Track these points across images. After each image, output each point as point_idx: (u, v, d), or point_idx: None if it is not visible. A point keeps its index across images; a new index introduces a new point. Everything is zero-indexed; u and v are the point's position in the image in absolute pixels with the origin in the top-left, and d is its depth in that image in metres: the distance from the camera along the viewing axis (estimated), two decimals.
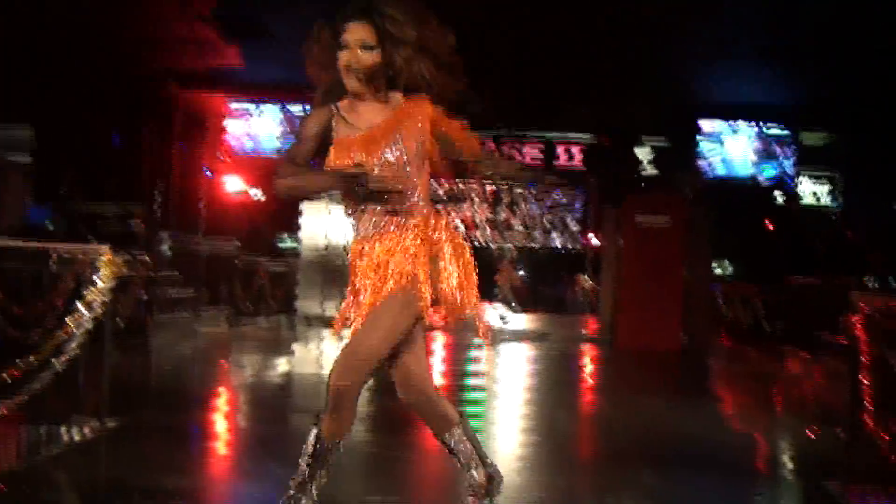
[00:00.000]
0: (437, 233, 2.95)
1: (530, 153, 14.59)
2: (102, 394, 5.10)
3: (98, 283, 5.05)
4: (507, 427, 6.22)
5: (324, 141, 2.98)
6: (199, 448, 5.03)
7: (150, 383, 7.13)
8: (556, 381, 9.44)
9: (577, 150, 14.56)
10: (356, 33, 2.88)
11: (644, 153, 14.38)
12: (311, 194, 3.42)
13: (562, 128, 14.32)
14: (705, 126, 14.02)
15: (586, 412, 7.46)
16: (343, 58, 2.90)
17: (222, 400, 6.72)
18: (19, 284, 7.13)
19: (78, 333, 5.00)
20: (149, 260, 10.29)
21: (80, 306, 5.04)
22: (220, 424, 5.85)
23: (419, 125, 2.92)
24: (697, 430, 6.41)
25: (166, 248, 12.23)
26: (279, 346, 10.62)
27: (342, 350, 2.88)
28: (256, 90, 13.04)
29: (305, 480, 2.93)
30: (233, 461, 4.74)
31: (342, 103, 3.00)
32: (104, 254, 5.09)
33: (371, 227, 2.95)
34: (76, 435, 4.84)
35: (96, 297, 5.03)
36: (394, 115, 2.94)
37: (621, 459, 5.09)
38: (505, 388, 8.39)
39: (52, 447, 4.65)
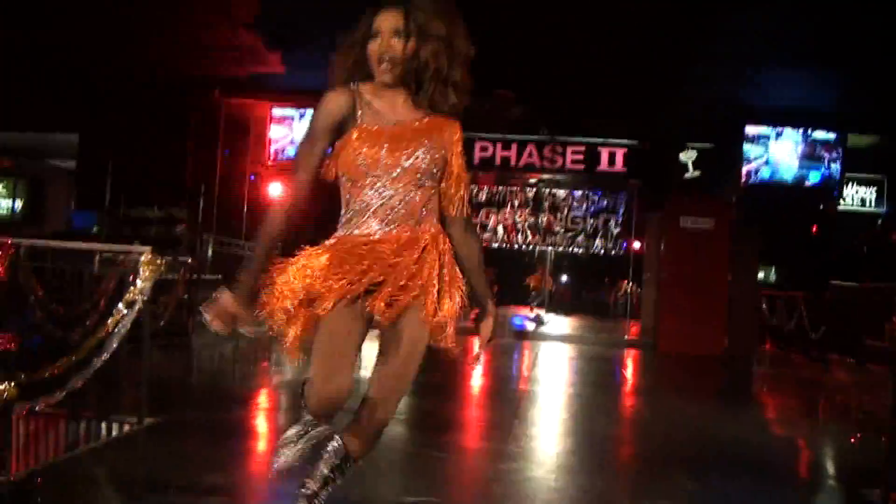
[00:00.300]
0: (444, 256, 2.75)
1: (572, 157, 14.51)
2: (142, 392, 5.15)
3: (138, 282, 5.11)
4: (546, 429, 6.18)
5: (341, 130, 2.76)
6: (238, 446, 5.05)
7: (190, 382, 7.20)
8: (596, 384, 9.38)
9: (619, 154, 14.43)
10: (388, 21, 2.75)
11: (688, 157, 14.23)
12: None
13: (605, 131, 14.22)
14: (750, 130, 13.83)
15: (626, 415, 7.38)
16: (375, 46, 2.75)
17: (261, 399, 6.76)
18: (64, 284, 7.28)
19: (118, 332, 5.07)
20: (191, 262, 10.43)
21: (121, 305, 5.10)
22: (259, 423, 5.88)
23: (451, 140, 2.80)
24: (737, 435, 6.36)
25: (209, 250, 12.38)
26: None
27: (392, 378, 2.69)
28: (299, 96, 13.12)
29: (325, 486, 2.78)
30: (270, 459, 4.77)
31: (366, 87, 2.79)
32: (145, 255, 5.14)
33: (380, 225, 2.70)
34: (115, 431, 4.91)
35: (137, 297, 5.08)
36: (426, 121, 2.78)
37: (659, 463, 5.05)
38: (546, 391, 8.34)
39: (91, 443, 4.72)
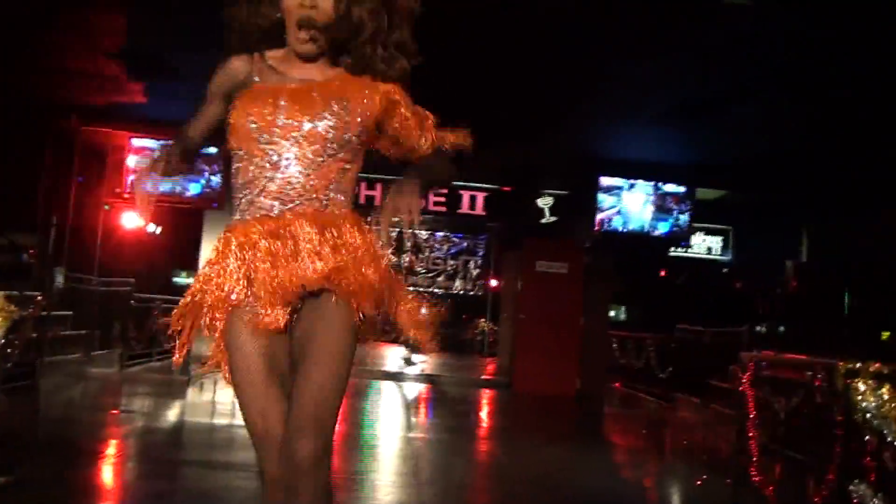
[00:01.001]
0: (363, 236, 2.21)
1: (434, 199, 14.76)
2: None
3: None
4: (399, 474, 6.24)
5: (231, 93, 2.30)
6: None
7: (39, 433, 6.89)
8: (451, 426, 9.52)
9: (479, 197, 14.79)
10: None
11: (545, 203, 14.73)
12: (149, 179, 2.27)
13: (465, 175, 14.54)
14: (604, 181, 14.48)
15: (480, 459, 7.54)
16: (293, 3, 2.21)
17: (113, 451, 6.52)
18: None
19: None
20: (41, 298, 9.99)
21: None
22: (111, 479, 5.68)
23: (373, 100, 2.26)
24: (589, 477, 6.63)
25: (59, 284, 11.87)
26: (172, 390, 10.38)
27: (307, 402, 2.08)
28: (160, 127, 12.79)
29: None
30: None
31: (272, 53, 2.32)
32: None
33: (278, 202, 2.17)
34: None
35: None
36: (340, 77, 2.29)
37: None
38: (399, 436, 8.40)
39: None
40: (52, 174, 14.38)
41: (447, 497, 5.58)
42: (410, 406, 11.01)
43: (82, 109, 13.31)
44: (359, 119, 2.24)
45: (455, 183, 14.77)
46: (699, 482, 6.71)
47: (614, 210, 14.39)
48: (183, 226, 15.84)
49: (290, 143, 2.18)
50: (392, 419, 9.75)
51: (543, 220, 14.67)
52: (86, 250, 15.03)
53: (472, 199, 14.79)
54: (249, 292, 2.14)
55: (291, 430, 2.06)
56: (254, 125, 2.18)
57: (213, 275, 2.19)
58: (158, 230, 16.93)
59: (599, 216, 14.38)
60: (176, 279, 19.69)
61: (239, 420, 2.33)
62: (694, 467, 7.37)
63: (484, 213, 14.89)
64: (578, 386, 13.02)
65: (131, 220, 15.55)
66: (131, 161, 14.84)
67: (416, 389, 12.93)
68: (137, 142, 14.76)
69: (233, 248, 2.17)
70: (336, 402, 2.12)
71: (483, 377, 15.66)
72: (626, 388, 14.57)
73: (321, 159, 2.20)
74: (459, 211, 14.84)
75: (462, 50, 10.14)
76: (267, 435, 2.11)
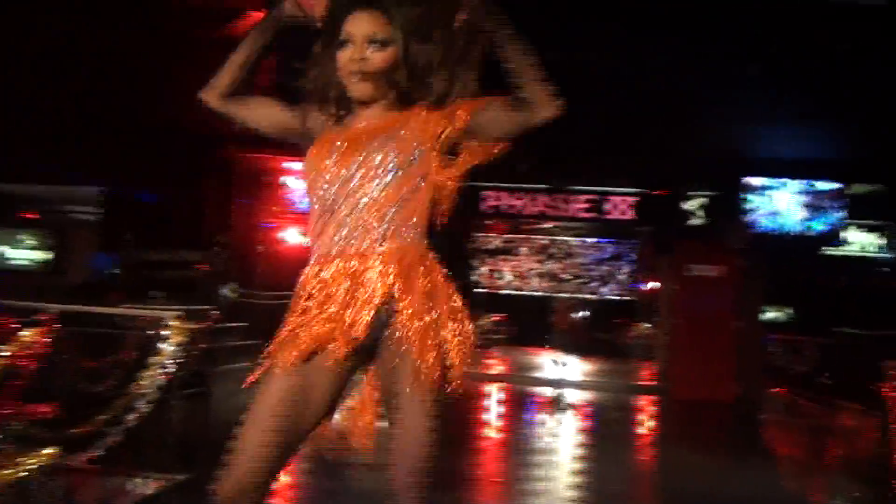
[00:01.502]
0: (432, 275, 2.22)
1: (581, 206, 14.83)
2: (169, 449, 5.43)
3: (166, 345, 5.40)
4: (557, 485, 6.38)
5: (304, 132, 2.44)
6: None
7: (214, 436, 7.47)
8: (610, 434, 9.56)
9: (627, 202, 14.76)
10: (362, 25, 2.27)
11: (694, 204, 14.54)
12: (249, 55, 2.45)
13: (611, 180, 14.57)
14: (752, 181, 14.16)
15: (637, 468, 7.53)
16: (345, 56, 2.28)
17: None
18: (92, 343, 7.58)
19: (147, 393, 5.36)
20: (213, 312, 10.73)
21: (149, 368, 5.41)
22: (284, 477, 6.11)
23: (427, 133, 2.26)
24: (746, 488, 6.50)
25: (227, 297, 12.67)
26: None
27: (403, 461, 2.18)
28: (280, 139, 13.48)
29: None
30: None
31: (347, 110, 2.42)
32: (172, 320, 5.43)
33: (336, 242, 2.25)
34: (146, 488, 5.17)
35: (164, 360, 5.38)
36: (395, 117, 2.31)
37: None
38: (557, 443, 8.52)
39: (122, 499, 4.97)
40: (215, 198, 15.44)
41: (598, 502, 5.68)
42: (562, 412, 11.11)
43: (239, 139, 14.24)
44: (413, 147, 2.25)
45: (602, 189, 14.83)
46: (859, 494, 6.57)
47: (764, 210, 14.05)
48: None
49: (341, 181, 2.24)
50: (544, 425, 9.88)
51: (695, 223, 14.48)
52: (249, 266, 15.96)
53: (619, 203, 14.77)
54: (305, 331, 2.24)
55: (397, 489, 2.17)
56: (313, 171, 2.30)
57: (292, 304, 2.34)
58: None
59: (750, 216, 14.06)
60: None
61: None
62: (856, 477, 7.18)
63: (633, 218, 14.84)
64: (736, 391, 12.71)
65: (292, 237, 16.38)
66: (285, 183, 15.69)
67: (568, 395, 13.01)
68: (289, 165, 15.61)
69: (299, 287, 2.32)
70: (431, 451, 2.18)
71: (639, 383, 15.54)
72: (786, 394, 14.17)
73: (375, 194, 2.22)
74: (607, 216, 14.85)
75: (604, 54, 10.27)
76: (240, 458, 2.24)
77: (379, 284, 2.17)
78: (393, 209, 2.22)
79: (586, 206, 14.85)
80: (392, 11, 2.26)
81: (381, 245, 2.21)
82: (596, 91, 11.33)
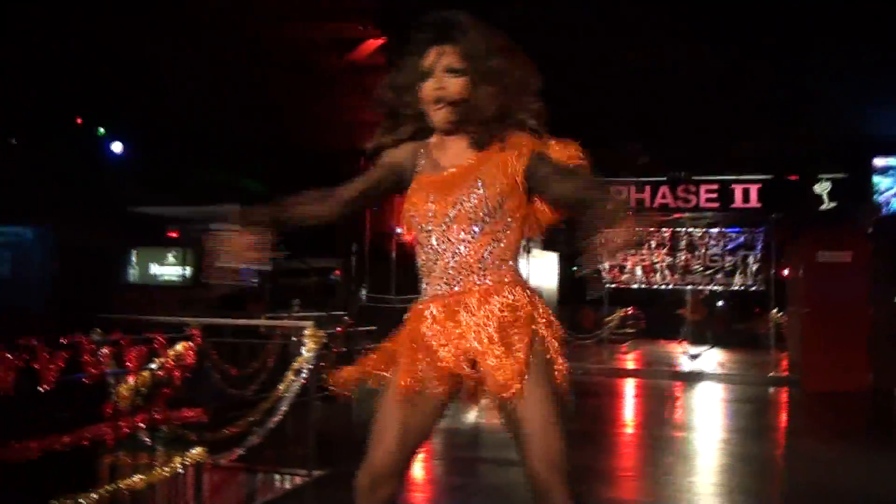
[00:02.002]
0: (531, 305, 2.47)
1: (706, 196, 14.67)
2: (309, 447, 5.87)
3: (304, 352, 5.85)
4: (687, 476, 6.49)
5: (399, 179, 2.66)
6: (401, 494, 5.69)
7: (351, 435, 7.91)
8: (740, 428, 9.53)
9: (753, 189, 14.52)
10: (440, 59, 2.51)
11: (822, 189, 14.18)
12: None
13: (736, 168, 14.36)
14: (878, 162, 13.69)
15: (765, 462, 7.47)
16: (427, 86, 2.53)
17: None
18: (237, 352, 8.17)
19: (288, 395, 5.82)
20: (348, 317, 11.26)
21: (290, 373, 5.86)
22: (417, 474, 6.47)
23: (507, 168, 2.48)
24: (881, 484, 6.38)
25: (361, 301, 13.22)
26: None
27: (539, 467, 2.33)
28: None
29: None
30: None
31: (434, 139, 2.65)
32: (308, 329, 5.87)
33: (442, 284, 2.50)
34: (287, 483, 5.61)
35: (303, 365, 5.83)
36: (476, 157, 2.54)
37: None
38: (692, 437, 8.58)
39: (266, 494, 5.42)
40: None
41: (731, 498, 5.76)
42: (691, 406, 11.14)
43: (367, 151, 14.84)
44: (498, 191, 2.47)
45: (726, 177, 14.64)
46: None
47: (892, 191, 13.56)
48: None
49: (443, 228, 2.49)
50: (675, 419, 9.95)
51: (822, 207, 14.12)
52: (383, 271, 16.55)
53: (746, 192, 14.52)
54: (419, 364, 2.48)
55: (541, 490, 2.32)
56: (414, 218, 2.56)
57: (398, 342, 2.59)
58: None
59: (878, 198, 13.61)
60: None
61: None
62: None
63: (759, 206, 14.57)
64: (870, 381, 12.33)
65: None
66: None
67: (704, 389, 12.96)
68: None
69: (409, 328, 2.54)
70: (563, 451, 2.34)
71: (772, 374, 15.29)
72: None
73: (471, 237, 2.47)
74: (733, 205, 14.64)
75: (721, 43, 10.26)
76: (373, 452, 2.55)
77: (488, 315, 2.42)
78: (489, 249, 2.47)
79: (711, 195, 14.68)
80: (463, 45, 2.49)
81: (482, 281, 2.46)
82: (716, 79, 11.32)
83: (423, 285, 2.58)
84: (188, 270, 16.99)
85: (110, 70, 10.67)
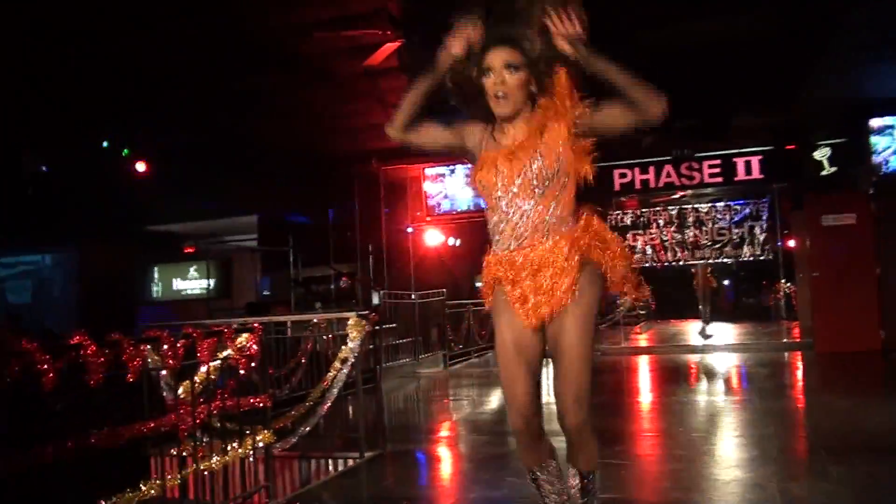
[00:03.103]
0: (586, 226, 2.96)
1: (709, 171, 15.00)
2: (360, 431, 6.23)
3: (349, 343, 6.22)
4: (709, 432, 6.83)
5: (463, 147, 3.11)
6: (441, 470, 6.08)
7: (392, 420, 8.30)
8: (757, 388, 9.86)
9: (754, 162, 14.85)
10: (499, 56, 2.90)
11: (822, 155, 14.50)
12: (420, 96, 3.04)
13: (737, 142, 14.66)
14: (875, 122, 14.00)
15: (785, 414, 7.81)
16: (489, 83, 2.93)
17: (451, 429, 7.74)
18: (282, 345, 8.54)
19: (336, 384, 6.19)
20: (374, 315, 11.60)
21: (336, 362, 6.23)
22: (454, 448, 6.85)
23: (558, 138, 2.90)
24: (885, 425, 6.74)
25: (378, 301, 13.58)
26: (492, 380, 11.62)
27: (564, 384, 2.89)
28: (447, 155, 14.36)
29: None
30: (470, 476, 5.69)
31: (496, 125, 3.06)
32: (352, 319, 6.23)
33: (513, 240, 2.94)
34: (341, 465, 5.97)
35: (349, 355, 6.19)
36: (533, 130, 2.94)
37: (810, 452, 5.82)
38: (706, 400, 8.95)
39: (323, 476, 5.78)
40: (363, 209, 16.52)
41: (760, 446, 6.09)
42: (709, 374, 11.47)
43: (380, 153, 15.19)
44: (554, 157, 2.90)
45: (728, 152, 14.97)
46: None
47: (890, 150, 13.88)
48: (479, 235, 17.33)
49: (510, 195, 2.93)
50: (695, 386, 10.29)
51: (824, 173, 14.45)
52: (400, 269, 16.93)
53: (748, 164, 14.85)
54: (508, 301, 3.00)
55: (561, 409, 2.89)
56: (483, 187, 3.00)
57: (485, 285, 3.13)
58: (458, 242, 18.49)
59: (877, 159, 13.93)
60: (478, 283, 21.21)
61: (550, 398, 2.98)
62: None
63: (762, 177, 14.90)
64: (883, 339, 12.68)
65: (433, 239, 17.24)
66: (428, 187, 16.52)
67: (721, 359, 13.30)
68: (431, 170, 16.41)
69: (492, 271, 3.05)
70: (581, 387, 2.86)
71: (785, 340, 15.63)
72: None
73: (536, 199, 2.91)
74: (737, 178, 14.96)
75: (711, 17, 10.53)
76: (513, 400, 2.96)
77: (557, 261, 2.89)
78: (552, 207, 2.92)
79: (714, 170, 15.02)
80: (519, 43, 2.91)
81: (548, 238, 2.92)
82: (713, 54, 11.58)
83: (495, 243, 3.02)
84: (211, 282, 17.40)
85: (133, 87, 11.00)
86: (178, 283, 18.07)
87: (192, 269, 18.00)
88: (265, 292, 18.15)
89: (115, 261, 16.08)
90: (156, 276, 18.22)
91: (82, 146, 12.64)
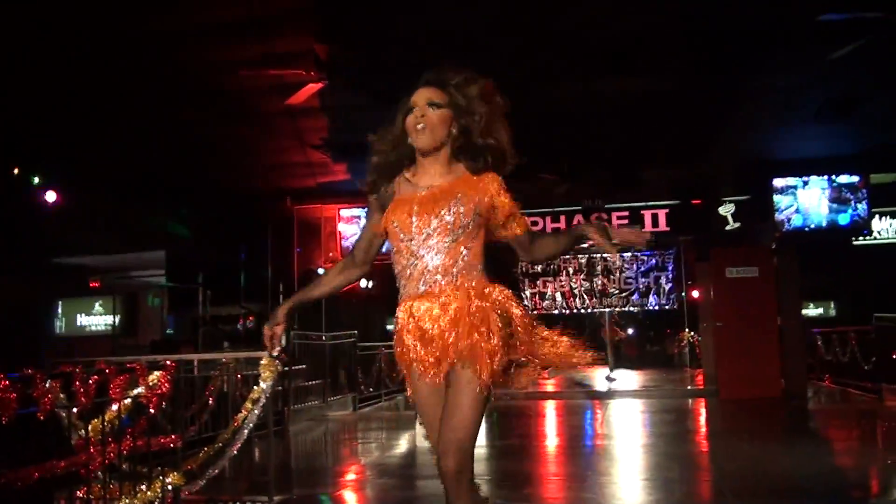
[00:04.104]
0: (494, 293, 2.89)
1: (617, 222, 15.40)
2: (269, 474, 6.14)
3: (261, 383, 6.13)
4: (618, 477, 6.94)
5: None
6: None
7: (300, 463, 8.19)
8: (663, 434, 10.02)
9: (661, 215, 15.34)
10: (423, 95, 2.96)
11: (727, 210, 15.09)
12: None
13: (645, 195, 15.15)
14: (778, 182, 14.70)
15: (690, 458, 8.01)
16: (410, 118, 2.95)
17: (359, 473, 7.68)
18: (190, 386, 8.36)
19: (246, 425, 6.09)
20: (283, 356, 11.47)
21: (248, 403, 6.14)
22: (363, 492, 6.78)
23: (482, 195, 2.92)
24: (796, 466, 7.06)
25: (286, 343, 13.42)
26: (401, 424, 11.59)
27: (448, 430, 2.80)
28: (364, 198, 14.43)
29: None
30: None
31: (408, 172, 3.03)
32: (264, 359, 6.16)
33: (422, 283, 2.90)
34: None
35: (260, 395, 6.11)
36: (457, 180, 2.96)
37: (718, 497, 5.95)
38: (615, 444, 9.08)
39: None
40: (276, 249, 16.40)
41: (667, 489, 6.25)
42: (621, 420, 11.67)
43: (295, 192, 15.17)
44: (473, 207, 2.89)
45: (635, 204, 15.43)
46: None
47: (792, 209, 14.55)
48: (392, 278, 17.35)
49: (423, 237, 2.89)
50: (604, 431, 10.45)
51: (728, 228, 15.01)
52: (312, 310, 16.78)
53: (654, 217, 15.34)
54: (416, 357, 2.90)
55: (439, 452, 2.79)
56: (395, 228, 2.94)
57: (396, 340, 2.98)
58: (370, 284, 18.48)
59: (779, 217, 14.57)
60: (389, 326, 21.23)
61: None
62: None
63: (668, 229, 15.39)
64: (783, 387, 13.18)
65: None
66: (343, 228, 16.52)
67: (626, 405, 13.55)
68: (346, 212, 16.43)
69: (400, 324, 2.93)
70: (471, 433, 2.79)
71: (689, 387, 16.03)
72: (833, 384, 14.64)
73: (446, 245, 2.88)
74: (644, 230, 15.37)
75: (625, 77, 10.90)
76: (436, 445, 2.86)
77: (458, 309, 2.84)
78: (462, 255, 2.89)
79: (623, 221, 15.43)
80: (447, 87, 2.96)
81: (455, 281, 2.87)
82: (620, 110, 11.98)
83: (402, 288, 2.96)
84: (116, 319, 16.97)
85: (45, 117, 10.76)
86: (82, 319, 17.55)
87: (97, 305, 17.52)
88: (168, 331, 17.79)
89: (17, 292, 15.53)
90: (59, 310, 17.69)
91: None
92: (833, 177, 14.66)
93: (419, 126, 2.91)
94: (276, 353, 3.15)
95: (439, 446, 2.80)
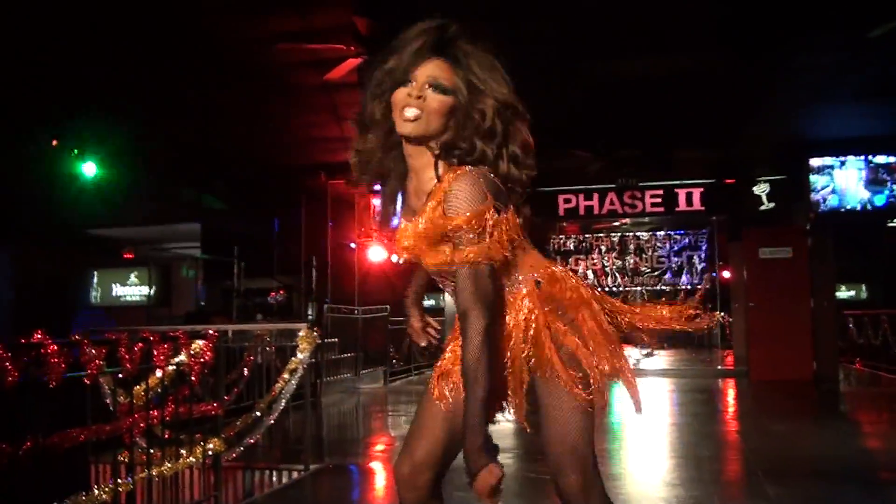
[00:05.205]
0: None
1: (651, 200, 15.33)
2: (305, 444, 6.25)
3: (298, 354, 6.24)
4: (645, 452, 7.00)
5: None
6: (386, 483, 6.12)
7: (332, 434, 8.30)
8: (691, 413, 10.05)
9: (696, 193, 15.25)
10: (427, 69, 2.19)
11: (761, 190, 14.97)
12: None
13: (679, 173, 15.05)
14: (814, 162, 14.53)
15: (718, 437, 8.09)
16: (401, 94, 2.20)
17: (389, 445, 7.77)
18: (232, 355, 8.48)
19: (284, 395, 6.19)
20: (316, 330, 11.59)
21: (285, 373, 6.25)
22: (392, 465, 6.87)
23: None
24: (820, 448, 7.08)
25: (312, 314, 13.53)
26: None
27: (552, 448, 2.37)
28: None
29: None
30: None
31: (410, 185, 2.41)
32: (303, 330, 6.26)
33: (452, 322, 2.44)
34: (286, 478, 5.98)
35: (298, 366, 6.21)
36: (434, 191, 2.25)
37: (748, 474, 5.95)
38: (641, 421, 9.13)
39: (268, 488, 5.79)
40: (309, 223, 16.52)
41: (686, 465, 6.29)
42: (651, 398, 11.69)
43: (329, 166, 15.25)
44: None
45: (670, 182, 15.35)
46: None
47: (828, 189, 14.40)
48: None
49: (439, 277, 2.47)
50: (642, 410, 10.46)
51: (762, 208, 14.89)
52: (344, 284, 16.92)
53: (689, 195, 15.25)
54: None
55: (553, 470, 2.36)
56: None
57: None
58: (402, 260, 18.54)
59: (815, 197, 14.43)
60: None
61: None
62: None
63: (702, 209, 15.30)
64: (814, 369, 13.12)
65: (377, 255, 17.28)
66: (377, 203, 16.58)
67: (656, 384, 13.55)
68: (378, 186, 16.49)
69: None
70: (583, 445, 2.39)
71: (720, 368, 15.98)
72: (865, 368, 14.55)
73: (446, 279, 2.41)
74: (678, 209, 15.33)
75: (660, 55, 10.83)
76: (412, 450, 2.51)
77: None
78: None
79: (656, 200, 15.36)
80: (462, 63, 2.21)
81: None
82: (662, 89, 11.90)
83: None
84: (152, 290, 17.20)
85: (83, 89, 10.91)
86: (117, 289, 17.80)
87: (132, 276, 17.75)
88: (201, 303, 18.00)
89: (52, 264, 15.78)
90: (95, 280, 17.93)
91: (27, 144, 12.43)
92: (870, 157, 14.47)
93: (410, 112, 2.18)
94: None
95: (552, 465, 2.39)
